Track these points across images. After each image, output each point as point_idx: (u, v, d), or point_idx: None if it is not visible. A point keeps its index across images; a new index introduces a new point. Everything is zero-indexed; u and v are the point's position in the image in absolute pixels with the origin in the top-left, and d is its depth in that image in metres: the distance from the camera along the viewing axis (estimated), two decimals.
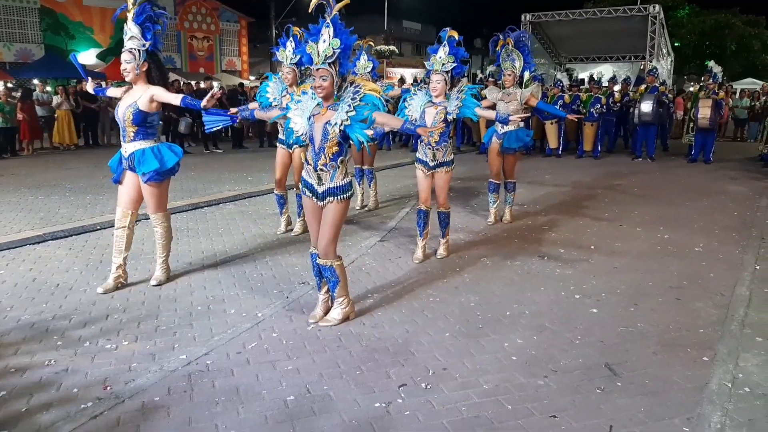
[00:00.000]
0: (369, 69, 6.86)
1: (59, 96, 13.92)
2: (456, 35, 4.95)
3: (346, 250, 5.39)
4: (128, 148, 4.37)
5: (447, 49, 4.95)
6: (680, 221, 6.85)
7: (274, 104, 5.73)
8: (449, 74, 4.98)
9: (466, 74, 5.37)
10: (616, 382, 3.16)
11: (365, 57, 6.94)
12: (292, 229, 6.32)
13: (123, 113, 4.33)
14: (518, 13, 20.42)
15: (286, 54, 5.62)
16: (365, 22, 27.37)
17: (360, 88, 3.61)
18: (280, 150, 6.03)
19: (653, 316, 4.07)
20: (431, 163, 5.19)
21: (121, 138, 4.43)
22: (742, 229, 6.47)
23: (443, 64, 4.95)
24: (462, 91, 5.03)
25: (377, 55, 28.38)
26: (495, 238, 6.15)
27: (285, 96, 5.67)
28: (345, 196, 3.71)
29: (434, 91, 5.03)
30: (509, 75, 6.27)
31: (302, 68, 5.67)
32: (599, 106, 12.53)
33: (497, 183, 6.73)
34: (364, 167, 7.51)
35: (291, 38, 5.60)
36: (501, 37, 6.30)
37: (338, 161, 3.67)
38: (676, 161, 12.23)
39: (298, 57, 5.57)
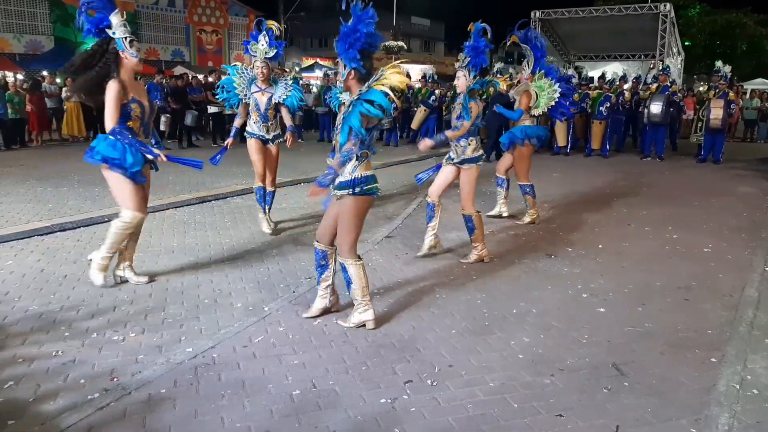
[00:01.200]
0: None
1: (68, 88, 13.96)
2: (472, 28, 4.96)
3: None
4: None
5: (471, 43, 4.97)
6: (689, 221, 6.81)
7: (244, 100, 5.62)
8: (468, 69, 4.98)
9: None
10: (623, 381, 3.14)
11: None
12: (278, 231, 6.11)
13: (150, 109, 4.38)
14: (528, 10, 20.35)
15: (259, 48, 5.46)
16: None
17: (373, 82, 3.38)
18: (252, 142, 5.72)
19: (661, 317, 4.05)
20: (456, 159, 5.11)
21: (146, 135, 4.41)
22: (751, 231, 6.42)
23: (462, 60, 5.02)
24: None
25: (386, 51, 28.29)
26: (502, 236, 6.13)
27: (259, 93, 5.56)
28: (356, 190, 3.55)
29: (458, 88, 5.10)
30: (522, 72, 6.46)
31: (275, 62, 5.61)
32: (609, 104, 12.47)
33: (502, 177, 6.81)
34: None
35: (265, 32, 5.47)
36: (514, 33, 6.42)
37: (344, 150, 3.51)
38: (685, 161, 12.15)
39: (274, 51, 5.48)
